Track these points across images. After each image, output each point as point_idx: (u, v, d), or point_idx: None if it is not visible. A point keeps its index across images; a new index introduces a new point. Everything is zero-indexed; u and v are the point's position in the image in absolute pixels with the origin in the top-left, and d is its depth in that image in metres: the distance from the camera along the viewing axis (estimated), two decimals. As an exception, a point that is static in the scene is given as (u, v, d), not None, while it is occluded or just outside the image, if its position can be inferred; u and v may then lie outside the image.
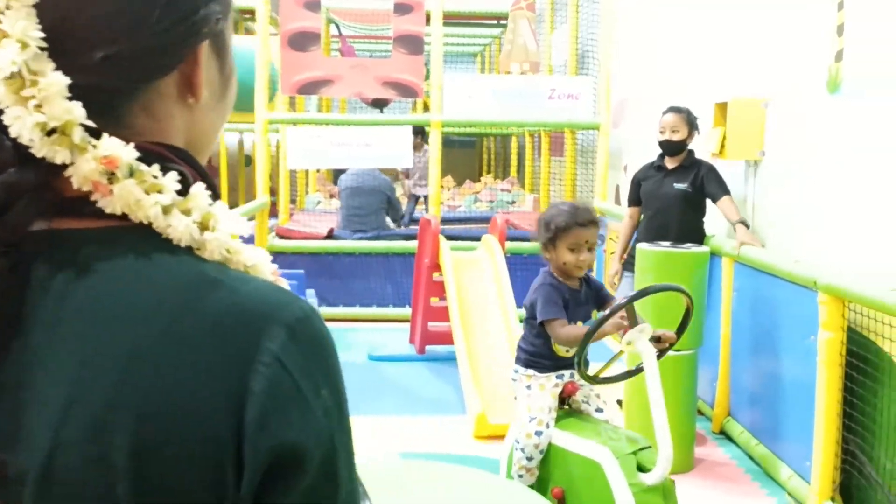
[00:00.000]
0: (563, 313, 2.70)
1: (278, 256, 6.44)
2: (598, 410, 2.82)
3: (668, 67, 5.58)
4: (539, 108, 6.44)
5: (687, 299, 2.75)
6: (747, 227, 4.02)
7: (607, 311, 2.63)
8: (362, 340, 5.89)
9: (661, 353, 2.66)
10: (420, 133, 7.50)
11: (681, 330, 2.74)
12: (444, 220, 7.84)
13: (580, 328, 2.69)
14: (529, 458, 2.70)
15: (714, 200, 4.24)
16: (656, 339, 2.63)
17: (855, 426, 3.09)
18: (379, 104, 10.12)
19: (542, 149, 9.35)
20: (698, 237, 4.29)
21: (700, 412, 4.40)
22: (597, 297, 2.89)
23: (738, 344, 4.07)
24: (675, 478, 3.55)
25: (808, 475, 3.23)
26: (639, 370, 2.69)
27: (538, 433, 2.69)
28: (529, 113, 6.45)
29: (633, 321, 2.56)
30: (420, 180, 8.22)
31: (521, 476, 2.72)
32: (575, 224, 2.69)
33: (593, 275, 3.06)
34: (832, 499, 3.13)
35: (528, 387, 2.78)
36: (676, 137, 4.28)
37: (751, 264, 3.87)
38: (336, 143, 6.26)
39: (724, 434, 4.16)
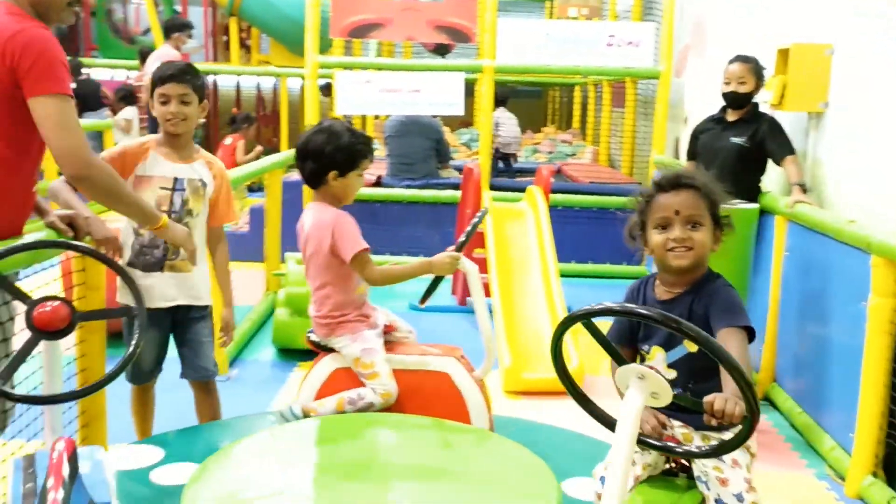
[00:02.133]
0: None
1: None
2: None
3: (731, 9, 5.25)
4: (596, 54, 6.18)
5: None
6: (805, 191, 3.77)
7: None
8: (405, 290, 5.80)
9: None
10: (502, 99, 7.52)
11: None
12: (501, 172, 7.70)
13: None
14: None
15: (775, 160, 3.99)
16: None
17: (903, 399, 2.89)
18: (441, 50, 9.93)
19: (604, 100, 9.05)
20: (753, 196, 4.05)
21: (745, 377, 4.22)
22: (705, 317, 1.93)
23: (787, 307, 3.85)
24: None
25: (851, 447, 3.05)
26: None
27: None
28: (586, 59, 6.19)
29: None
30: (505, 138, 8.10)
31: None
32: (657, 190, 2.01)
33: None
34: (874, 473, 2.95)
35: None
36: (743, 89, 4.03)
37: (804, 223, 3.63)
38: (386, 89, 6.15)
39: (768, 400, 3.97)
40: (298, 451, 2.06)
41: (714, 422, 1.57)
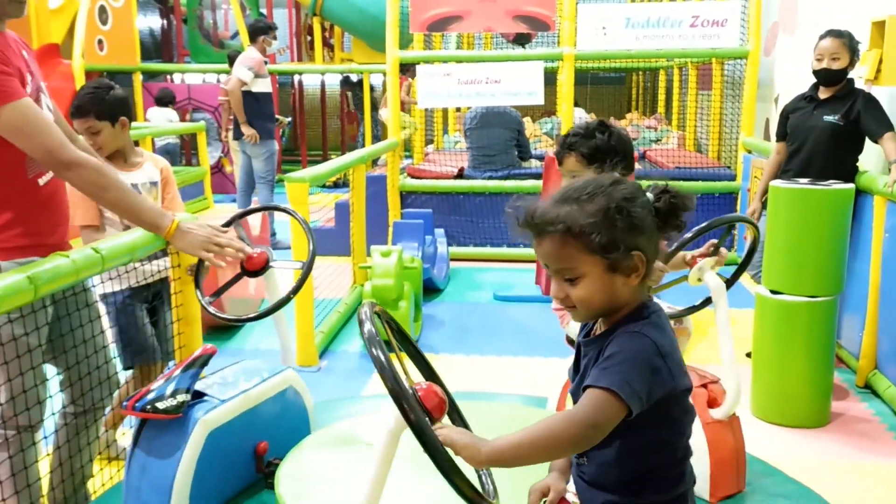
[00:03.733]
0: None
1: (409, 196, 6.51)
2: None
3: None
4: (680, 36, 6.03)
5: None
6: None
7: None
8: (489, 280, 5.88)
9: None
10: None
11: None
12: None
13: None
14: None
15: (872, 138, 3.81)
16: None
17: None
18: (521, 40, 9.86)
19: (690, 83, 8.81)
20: (848, 176, 3.88)
21: (844, 364, 4.06)
22: None
23: (889, 291, 3.68)
24: (807, 432, 3.35)
25: (959, 438, 2.90)
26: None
27: None
28: (669, 42, 6.05)
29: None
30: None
31: None
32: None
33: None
34: None
35: None
36: (836, 66, 3.87)
37: (904, 203, 3.46)
38: (465, 80, 6.17)
39: (870, 388, 3.81)
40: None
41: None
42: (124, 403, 2.05)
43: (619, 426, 1.31)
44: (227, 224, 2.50)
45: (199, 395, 2.11)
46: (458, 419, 1.56)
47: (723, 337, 2.47)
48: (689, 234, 2.43)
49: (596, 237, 1.32)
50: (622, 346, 1.33)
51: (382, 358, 1.32)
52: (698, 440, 2.30)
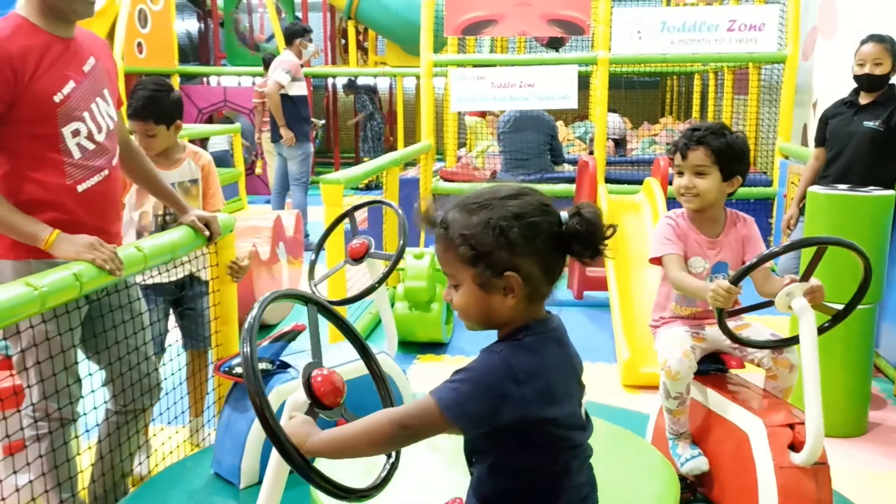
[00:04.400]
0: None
1: (441, 199, 6.52)
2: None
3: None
4: (716, 40, 5.97)
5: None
6: None
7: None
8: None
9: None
10: None
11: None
12: (613, 163, 7.58)
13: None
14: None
15: None
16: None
17: None
18: (555, 43, 9.85)
19: (725, 87, 8.73)
20: (888, 182, 3.82)
21: (882, 373, 4.00)
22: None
23: (929, 300, 3.62)
24: (844, 441, 3.29)
25: None
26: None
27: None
28: (705, 46, 6.00)
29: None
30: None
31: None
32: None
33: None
34: None
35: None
36: (878, 71, 3.82)
37: (947, 210, 3.40)
38: (498, 84, 6.18)
39: (913, 400, 3.75)
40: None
41: None
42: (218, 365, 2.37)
43: (489, 442, 1.29)
44: (343, 217, 2.85)
45: (287, 366, 2.36)
46: (389, 399, 1.54)
47: (807, 374, 2.17)
48: (764, 254, 2.24)
49: (464, 249, 1.28)
50: (476, 364, 1.28)
51: (247, 350, 1.29)
52: (766, 484, 2.10)
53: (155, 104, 2.81)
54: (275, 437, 1.24)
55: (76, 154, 2.17)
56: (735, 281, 2.21)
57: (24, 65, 2.04)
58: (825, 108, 4.25)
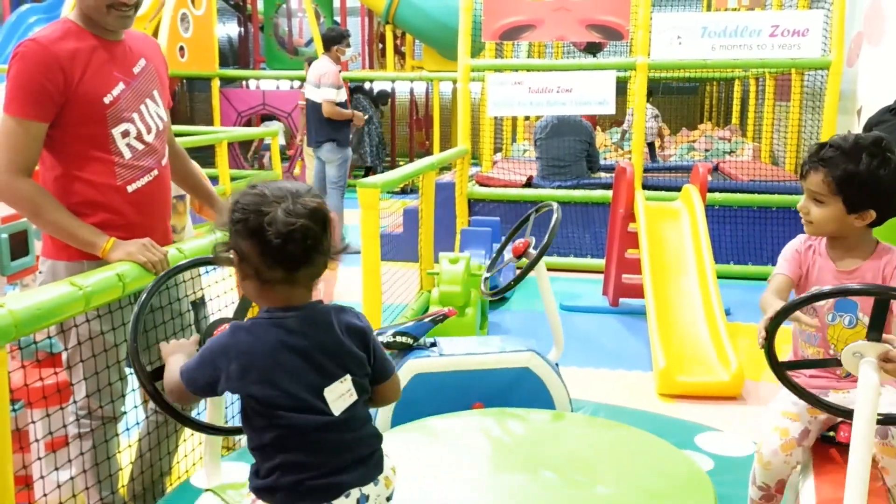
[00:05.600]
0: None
1: (477, 203, 6.53)
2: None
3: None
4: (758, 46, 5.90)
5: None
6: None
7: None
8: (556, 289, 5.79)
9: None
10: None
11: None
12: (651, 170, 7.52)
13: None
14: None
15: None
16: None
17: None
18: (593, 48, 9.80)
19: (767, 93, 8.61)
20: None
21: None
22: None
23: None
24: None
25: None
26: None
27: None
28: (746, 52, 5.92)
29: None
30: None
31: None
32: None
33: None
34: None
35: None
36: None
37: None
38: (535, 89, 6.17)
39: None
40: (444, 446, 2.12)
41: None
42: None
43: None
44: (522, 222, 3.03)
45: (433, 346, 2.58)
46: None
47: (851, 476, 1.59)
48: (820, 291, 1.76)
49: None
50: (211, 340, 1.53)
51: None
52: None
53: None
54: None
55: (126, 154, 2.20)
56: (770, 328, 1.73)
57: (73, 67, 2.08)
58: (870, 115, 4.16)
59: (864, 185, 1.91)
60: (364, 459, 1.49)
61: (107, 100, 2.15)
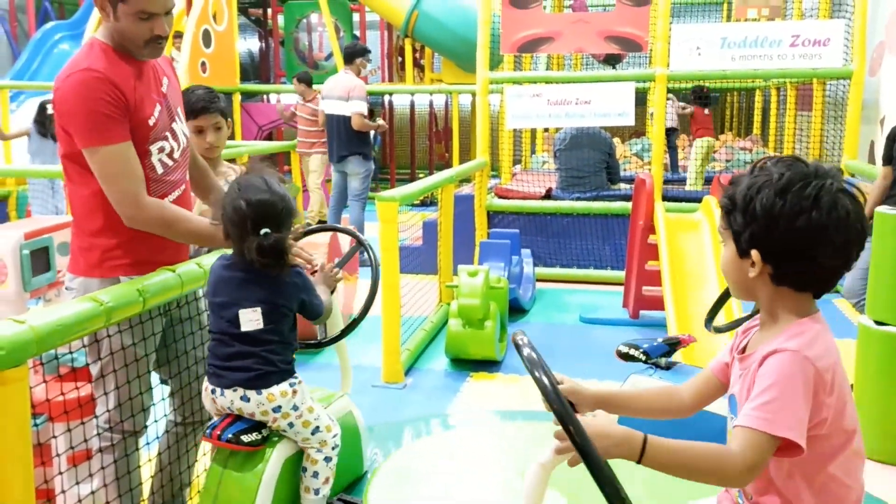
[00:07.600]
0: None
1: (496, 216, 6.53)
2: None
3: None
4: (779, 56, 5.86)
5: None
6: None
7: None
8: (576, 301, 5.82)
9: None
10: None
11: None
12: (670, 181, 7.48)
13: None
14: None
15: None
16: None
17: None
18: (612, 60, 9.77)
19: (788, 103, 8.55)
20: (960, 202, 3.67)
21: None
22: None
23: None
24: (883, 466, 3.16)
25: None
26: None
27: None
28: (767, 62, 5.89)
29: None
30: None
31: None
32: None
33: None
34: None
35: None
36: None
37: None
38: (554, 101, 6.16)
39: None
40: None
41: None
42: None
43: None
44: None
45: (659, 367, 2.77)
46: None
47: None
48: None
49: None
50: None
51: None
52: None
53: (216, 98, 2.89)
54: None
55: (159, 170, 2.24)
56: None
57: (126, 91, 2.12)
58: (893, 125, 4.13)
59: (743, 210, 1.38)
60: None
61: (151, 122, 2.19)
